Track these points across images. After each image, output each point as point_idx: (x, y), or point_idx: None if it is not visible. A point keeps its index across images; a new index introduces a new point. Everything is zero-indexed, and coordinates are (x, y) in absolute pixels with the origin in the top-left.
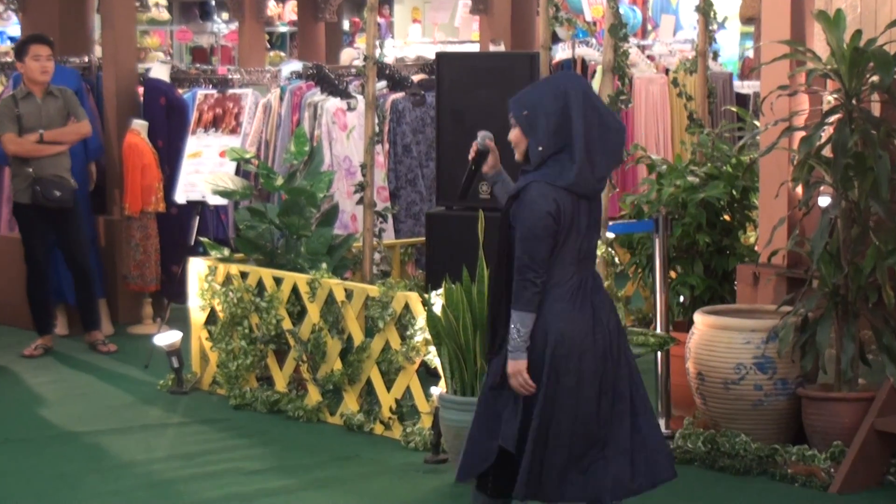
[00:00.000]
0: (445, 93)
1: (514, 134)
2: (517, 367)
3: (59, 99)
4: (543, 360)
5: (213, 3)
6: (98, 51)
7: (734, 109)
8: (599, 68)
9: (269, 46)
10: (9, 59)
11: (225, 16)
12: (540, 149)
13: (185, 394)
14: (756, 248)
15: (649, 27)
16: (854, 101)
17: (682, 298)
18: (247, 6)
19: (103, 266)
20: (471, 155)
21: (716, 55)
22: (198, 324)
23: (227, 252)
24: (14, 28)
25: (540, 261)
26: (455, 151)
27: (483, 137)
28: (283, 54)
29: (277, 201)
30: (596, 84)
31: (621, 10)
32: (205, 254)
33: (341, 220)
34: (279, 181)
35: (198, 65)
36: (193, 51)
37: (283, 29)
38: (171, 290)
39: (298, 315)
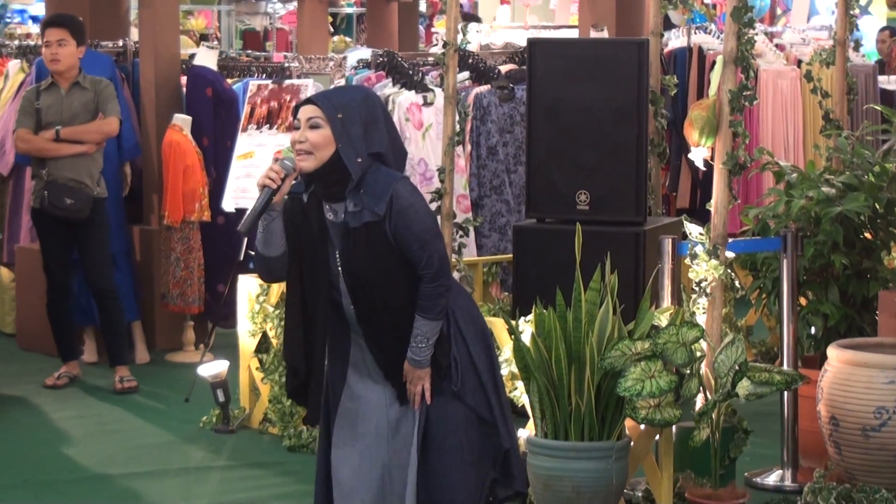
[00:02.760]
0: (538, 86)
1: (319, 136)
2: (424, 374)
3: (88, 92)
4: (476, 359)
5: None
6: (135, 34)
7: (878, 108)
8: (719, 59)
9: (332, 30)
10: (31, 43)
11: None
12: (359, 160)
13: (232, 432)
14: None
15: (779, 11)
16: None
17: (813, 330)
18: None
19: (139, 284)
20: (274, 179)
21: (857, 45)
22: (247, 352)
23: None
24: (38, 7)
25: (447, 261)
26: (549, 154)
27: (291, 160)
28: (348, 40)
29: None
30: (715, 77)
31: None
32: (253, 271)
33: None
34: None
35: (250, 51)
36: (245, 35)
37: (348, 10)
38: (217, 313)
39: None
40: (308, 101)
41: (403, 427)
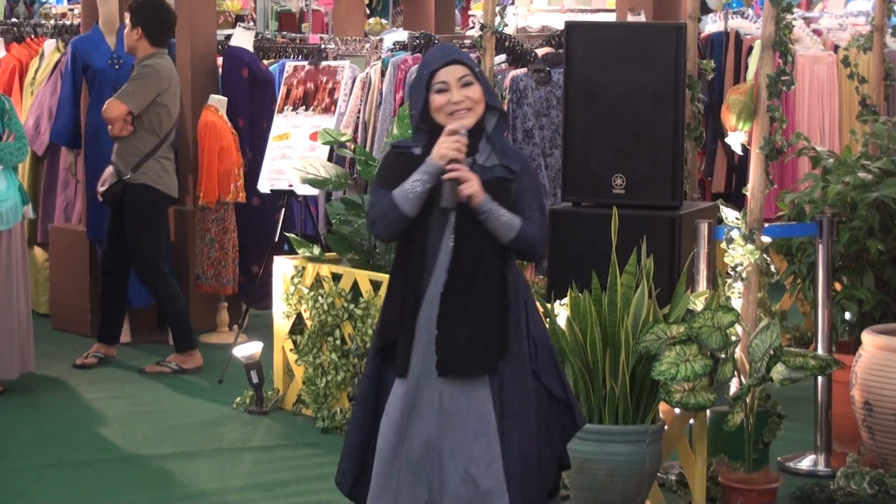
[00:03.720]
0: (575, 69)
1: (476, 92)
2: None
3: (133, 72)
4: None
5: None
6: None
7: None
8: (757, 43)
9: (368, 12)
10: (66, 23)
11: None
12: (497, 103)
13: (266, 414)
14: None
15: None
16: None
17: (848, 315)
18: None
19: (173, 265)
20: (462, 150)
21: (895, 30)
22: (281, 333)
23: (316, 250)
24: None
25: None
26: (585, 138)
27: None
28: (384, 22)
29: None
30: (753, 62)
31: None
32: (291, 252)
33: None
34: None
35: (285, 32)
36: (280, 16)
37: None
38: (251, 294)
39: None
40: (452, 61)
41: (459, 402)
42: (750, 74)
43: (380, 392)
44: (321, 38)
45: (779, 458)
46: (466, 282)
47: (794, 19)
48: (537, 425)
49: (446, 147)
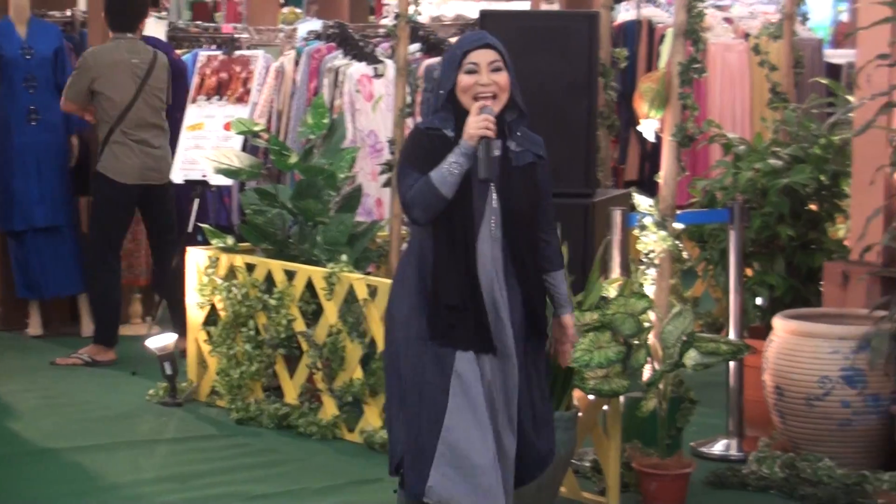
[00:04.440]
0: None
1: (504, 79)
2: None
3: None
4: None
5: None
6: (82, 3)
7: (824, 82)
8: (669, 32)
9: (282, 2)
10: None
11: None
12: (521, 101)
13: (180, 405)
14: (847, 242)
15: None
16: None
17: (759, 300)
18: None
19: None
20: (491, 128)
21: (804, 18)
22: (195, 324)
23: (230, 241)
24: None
25: None
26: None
27: (489, 107)
28: (298, 11)
29: (291, 182)
30: (665, 50)
31: None
32: (205, 242)
33: (365, 204)
34: (293, 159)
35: (199, 22)
36: (194, 5)
37: None
38: (164, 285)
39: (313, 315)
40: (485, 44)
41: (495, 374)
42: (662, 62)
43: (430, 369)
44: (235, 28)
45: (692, 444)
46: (520, 249)
47: (706, 7)
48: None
49: (475, 127)
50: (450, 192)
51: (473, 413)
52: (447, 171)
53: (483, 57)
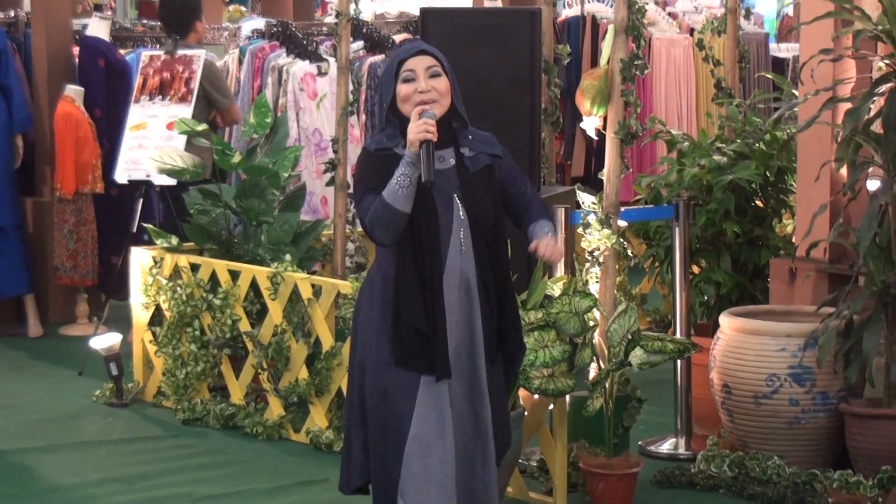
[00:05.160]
0: None
1: (443, 84)
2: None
3: None
4: None
5: None
6: (27, 4)
7: (769, 76)
8: (610, 28)
9: (227, 0)
10: None
11: None
12: (462, 109)
13: (126, 406)
14: (793, 239)
15: None
16: None
17: (705, 297)
18: None
19: (31, 256)
20: (432, 131)
21: (748, 13)
22: (141, 324)
23: (175, 241)
24: None
25: None
26: None
27: (431, 111)
28: (243, 9)
29: (235, 182)
30: (606, 46)
31: None
32: (149, 242)
33: (309, 203)
34: (236, 158)
35: (145, 21)
36: (140, 5)
37: None
38: (111, 285)
39: (258, 315)
40: (419, 51)
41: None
42: (604, 59)
43: (394, 395)
44: None
45: (640, 443)
46: (488, 257)
47: (647, 3)
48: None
49: (414, 132)
50: (404, 206)
51: (439, 438)
52: (396, 186)
53: (419, 63)
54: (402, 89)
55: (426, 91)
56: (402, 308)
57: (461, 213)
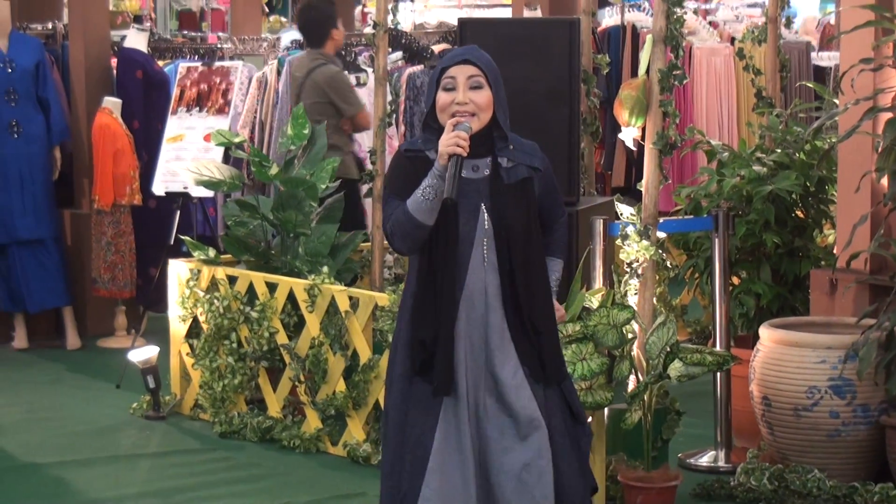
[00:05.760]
0: None
1: (483, 97)
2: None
3: None
4: None
5: None
6: (65, 16)
7: (811, 85)
8: (649, 38)
9: (267, 10)
10: None
11: None
12: (507, 120)
13: (163, 419)
14: (834, 250)
15: None
16: None
17: (745, 309)
18: None
19: (70, 269)
20: (464, 147)
21: (789, 22)
22: (178, 337)
23: (212, 253)
24: None
25: None
26: None
27: (467, 124)
28: (284, 20)
29: (273, 194)
30: (645, 56)
31: None
32: (187, 255)
33: None
34: (274, 170)
35: (186, 32)
36: (180, 15)
37: None
38: (148, 297)
39: (295, 327)
40: (464, 60)
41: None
42: (642, 69)
43: (415, 408)
44: (218, 38)
45: (679, 455)
46: (517, 273)
47: (686, 12)
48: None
49: (444, 144)
50: (427, 219)
51: (459, 454)
52: (421, 197)
53: (461, 72)
54: (441, 98)
55: (464, 103)
56: (415, 318)
57: (486, 223)
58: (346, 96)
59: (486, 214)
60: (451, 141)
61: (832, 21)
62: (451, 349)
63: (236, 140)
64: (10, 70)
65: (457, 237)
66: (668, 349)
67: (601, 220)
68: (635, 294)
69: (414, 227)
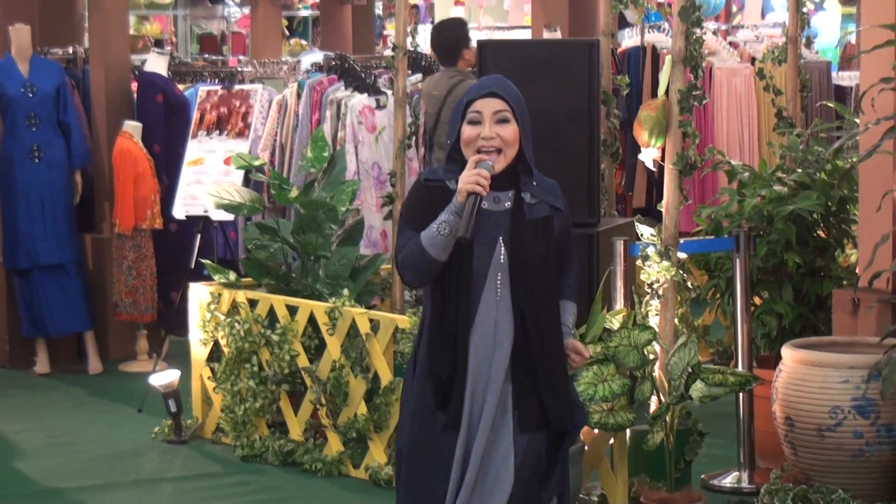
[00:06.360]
0: None
1: (510, 132)
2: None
3: None
4: None
5: None
6: (86, 41)
7: (831, 105)
8: (668, 58)
9: (288, 34)
10: None
11: None
12: (532, 156)
13: (184, 443)
14: (856, 269)
15: (734, 8)
16: None
17: (767, 329)
18: None
19: (91, 293)
20: (484, 185)
21: (809, 41)
22: (199, 361)
23: (233, 276)
24: None
25: None
26: None
27: (490, 162)
28: (304, 43)
29: (293, 217)
30: (664, 77)
31: None
32: (208, 278)
33: (368, 237)
34: (293, 193)
35: (207, 55)
36: (202, 39)
37: (305, 13)
38: (170, 321)
39: (316, 350)
40: (490, 93)
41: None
42: (661, 90)
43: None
44: (239, 61)
45: (702, 476)
46: (531, 311)
47: (705, 33)
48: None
49: (464, 181)
50: (440, 254)
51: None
52: (435, 232)
53: (488, 106)
54: (466, 131)
55: (490, 138)
56: (429, 352)
57: (502, 257)
58: None
59: (503, 248)
60: (472, 179)
61: (853, 40)
62: (464, 385)
63: (256, 163)
64: (30, 94)
65: (470, 273)
66: (690, 370)
67: (622, 241)
68: (656, 315)
69: (426, 262)
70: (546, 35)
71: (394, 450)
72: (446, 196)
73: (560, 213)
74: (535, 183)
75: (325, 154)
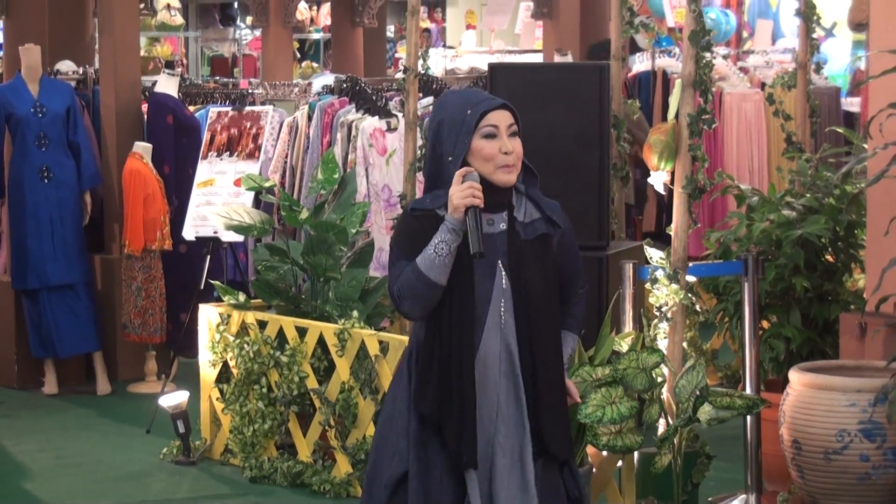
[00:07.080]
0: None
1: (520, 146)
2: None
3: None
4: None
5: (236, 5)
6: (96, 61)
7: (840, 130)
8: (678, 82)
9: (299, 56)
10: None
11: (249, 20)
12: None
13: (193, 464)
14: (864, 294)
15: (745, 34)
16: None
17: (775, 353)
18: (272, 8)
19: (100, 314)
20: (479, 197)
21: (818, 67)
22: (208, 382)
23: (242, 297)
24: None
25: None
26: None
27: (475, 173)
28: (315, 65)
29: (303, 238)
30: (674, 100)
31: (711, 15)
32: (217, 299)
33: (378, 259)
34: (304, 214)
35: (218, 77)
36: (213, 61)
37: (316, 35)
38: (179, 342)
39: (325, 372)
40: (503, 105)
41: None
42: (671, 113)
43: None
44: (249, 83)
45: (709, 499)
46: (534, 338)
47: (715, 57)
48: None
49: (459, 196)
50: (440, 278)
51: None
52: (433, 254)
53: (503, 120)
54: (485, 147)
55: (511, 152)
56: (415, 389)
57: (504, 282)
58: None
59: (503, 273)
60: (466, 192)
61: (862, 67)
62: (474, 419)
63: (266, 185)
64: (40, 115)
65: (472, 300)
66: (698, 393)
67: (631, 265)
68: (665, 338)
69: (426, 287)
70: (557, 59)
71: None
72: (436, 224)
73: (558, 230)
74: (531, 201)
75: (336, 176)
